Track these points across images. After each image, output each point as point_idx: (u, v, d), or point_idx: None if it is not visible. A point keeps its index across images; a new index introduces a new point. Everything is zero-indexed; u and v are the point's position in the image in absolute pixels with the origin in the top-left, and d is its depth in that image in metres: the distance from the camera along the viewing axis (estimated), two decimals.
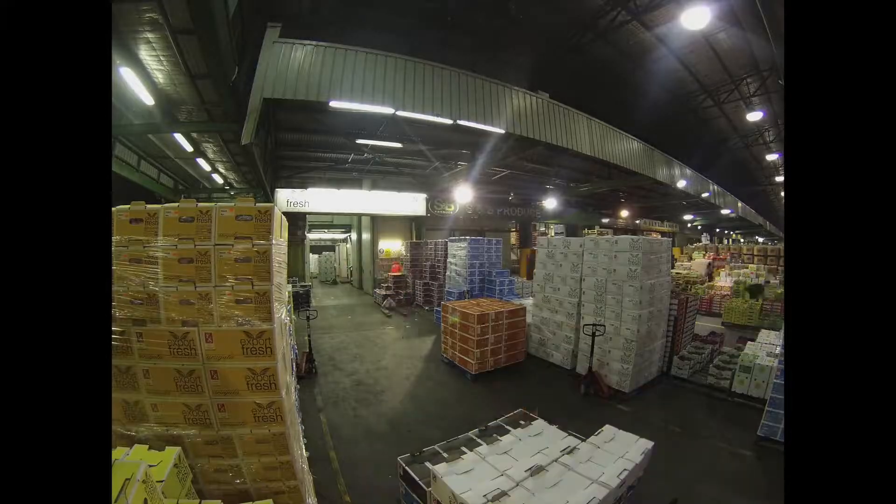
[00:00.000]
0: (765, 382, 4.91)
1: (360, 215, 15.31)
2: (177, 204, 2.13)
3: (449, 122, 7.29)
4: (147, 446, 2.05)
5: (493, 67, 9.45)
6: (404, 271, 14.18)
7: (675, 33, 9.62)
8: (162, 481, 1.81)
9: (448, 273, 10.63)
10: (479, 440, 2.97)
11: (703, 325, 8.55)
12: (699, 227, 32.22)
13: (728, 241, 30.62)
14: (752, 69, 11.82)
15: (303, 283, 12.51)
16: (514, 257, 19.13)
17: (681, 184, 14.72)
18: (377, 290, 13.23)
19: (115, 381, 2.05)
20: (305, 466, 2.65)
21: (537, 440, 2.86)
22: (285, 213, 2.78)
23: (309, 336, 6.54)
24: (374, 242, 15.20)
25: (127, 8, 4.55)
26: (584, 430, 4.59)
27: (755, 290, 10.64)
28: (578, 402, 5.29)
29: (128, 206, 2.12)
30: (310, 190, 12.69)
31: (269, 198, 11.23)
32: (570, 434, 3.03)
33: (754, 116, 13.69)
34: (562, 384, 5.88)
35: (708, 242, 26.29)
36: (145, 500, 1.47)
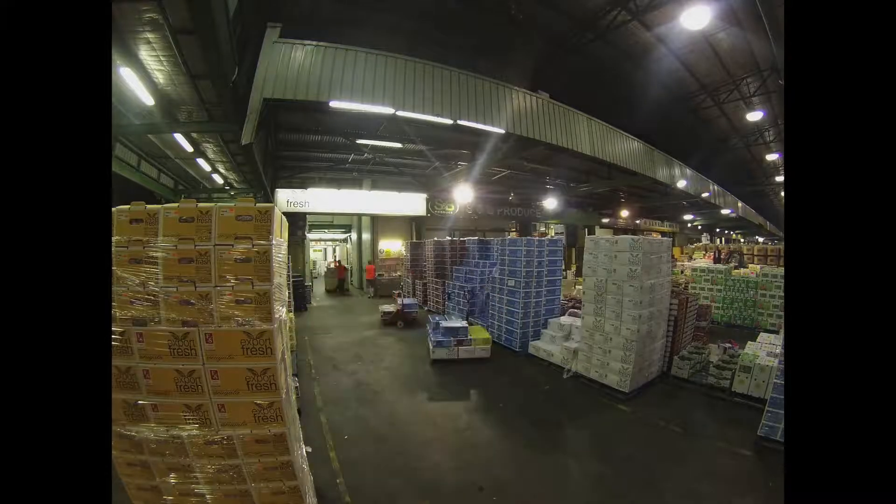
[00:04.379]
0: (765, 382, 4.91)
1: (360, 215, 15.32)
2: (177, 204, 2.13)
3: (449, 122, 7.29)
4: None
5: (493, 67, 9.45)
6: (402, 272, 14.17)
7: (675, 33, 9.63)
8: None
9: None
10: None
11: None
12: (699, 227, 32.23)
13: (722, 241, 30.58)
14: (752, 69, 11.82)
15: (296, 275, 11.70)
16: None
17: (681, 184, 14.72)
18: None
19: (115, 381, 2.05)
20: (305, 466, 2.65)
21: None
22: (285, 213, 2.78)
23: None
24: (374, 242, 15.20)
25: (127, 8, 4.55)
26: (586, 429, 4.60)
27: None
28: (581, 401, 5.31)
29: (128, 206, 2.12)
30: (310, 190, 12.69)
31: (270, 198, 11.24)
32: None
33: (754, 116, 13.70)
34: (562, 383, 5.90)
35: (708, 242, 26.29)
36: None
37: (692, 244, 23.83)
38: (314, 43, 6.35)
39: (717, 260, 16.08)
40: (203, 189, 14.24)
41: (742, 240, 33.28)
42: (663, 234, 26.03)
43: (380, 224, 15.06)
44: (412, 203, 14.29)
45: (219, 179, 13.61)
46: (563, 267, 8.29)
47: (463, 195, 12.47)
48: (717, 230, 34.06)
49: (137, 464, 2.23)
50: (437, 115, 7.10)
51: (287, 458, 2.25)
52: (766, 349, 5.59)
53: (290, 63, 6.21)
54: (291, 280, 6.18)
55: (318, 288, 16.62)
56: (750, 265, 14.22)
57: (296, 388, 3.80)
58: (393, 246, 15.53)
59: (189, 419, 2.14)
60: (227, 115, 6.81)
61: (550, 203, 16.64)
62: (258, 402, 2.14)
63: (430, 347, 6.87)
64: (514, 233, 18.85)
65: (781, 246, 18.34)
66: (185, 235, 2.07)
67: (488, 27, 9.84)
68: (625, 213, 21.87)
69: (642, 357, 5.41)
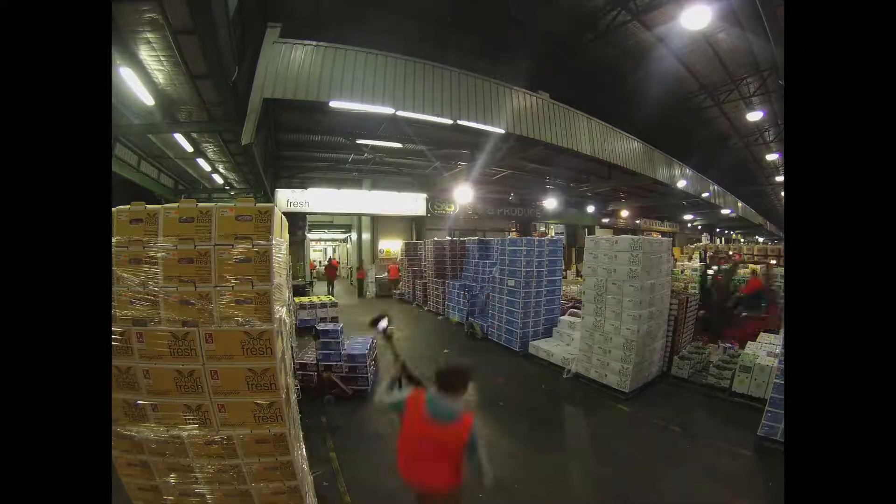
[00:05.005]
0: (765, 382, 4.91)
1: (360, 215, 15.33)
2: (177, 204, 2.13)
3: (449, 122, 7.29)
4: None
5: (493, 67, 9.46)
6: (402, 271, 14.18)
7: (675, 33, 9.63)
8: None
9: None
10: None
11: None
12: (699, 227, 32.23)
13: (722, 241, 30.50)
14: (752, 69, 11.83)
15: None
16: None
17: (681, 184, 14.72)
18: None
19: (115, 381, 2.05)
20: (305, 466, 2.65)
21: None
22: (285, 213, 2.78)
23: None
24: (374, 242, 15.21)
25: (127, 8, 4.56)
26: (585, 429, 4.60)
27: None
28: (581, 401, 5.31)
29: (128, 206, 2.12)
30: (310, 190, 12.69)
31: (270, 198, 11.25)
32: None
33: (754, 116, 13.70)
34: (562, 383, 5.90)
35: (708, 242, 26.26)
36: None
37: (692, 244, 23.81)
38: (314, 43, 6.35)
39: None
40: (203, 189, 14.26)
41: (742, 239, 33.27)
42: (663, 234, 26.02)
43: (380, 224, 15.06)
44: (412, 203, 14.29)
45: (219, 179, 13.62)
46: (563, 267, 8.29)
47: (463, 195, 12.47)
48: (717, 230, 34.05)
49: (137, 464, 2.23)
50: (437, 115, 7.11)
51: (287, 458, 2.25)
52: (766, 349, 5.59)
53: (290, 63, 6.21)
54: (291, 284, 6.15)
55: (319, 289, 16.61)
56: (750, 265, 14.19)
57: (296, 388, 3.80)
58: (393, 246, 15.54)
59: (189, 419, 2.14)
60: (228, 115, 6.83)
61: (550, 203, 16.64)
62: (258, 402, 2.13)
63: None
64: (514, 233, 18.85)
65: (781, 246, 18.33)
66: (185, 235, 2.07)
67: (488, 27, 9.85)
68: (625, 213, 21.87)
69: (642, 357, 5.41)
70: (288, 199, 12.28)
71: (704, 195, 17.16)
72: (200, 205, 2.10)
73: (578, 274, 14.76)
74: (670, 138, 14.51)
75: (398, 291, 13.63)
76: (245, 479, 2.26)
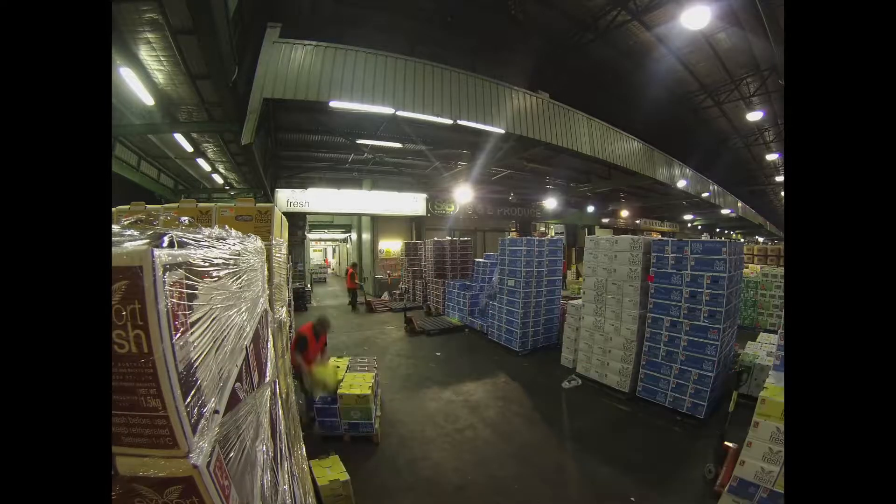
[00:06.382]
0: (765, 382, 4.90)
1: (360, 215, 15.32)
2: (177, 204, 2.13)
3: (449, 122, 7.28)
4: None
5: (493, 67, 9.46)
6: (402, 272, 14.17)
7: (675, 33, 9.62)
8: None
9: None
10: None
11: None
12: (699, 227, 32.22)
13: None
14: (752, 69, 11.82)
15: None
16: None
17: (681, 184, 14.71)
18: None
19: None
20: (306, 467, 2.65)
21: None
22: (285, 213, 2.78)
23: None
24: (374, 242, 15.20)
25: (127, 8, 4.56)
26: (585, 428, 4.60)
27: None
28: (581, 400, 5.31)
29: (128, 206, 2.12)
30: (310, 190, 12.68)
31: (270, 198, 11.25)
32: None
33: (754, 116, 13.69)
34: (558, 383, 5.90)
35: None
36: None
37: None
38: (314, 43, 6.34)
39: None
40: (203, 189, 14.26)
41: (742, 239, 33.24)
42: (663, 234, 26.02)
43: (380, 224, 15.05)
44: (412, 203, 14.28)
45: (219, 179, 13.62)
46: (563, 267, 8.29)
47: (463, 195, 12.47)
48: (718, 230, 34.05)
49: None
50: (437, 115, 7.10)
51: None
52: (766, 349, 5.59)
53: (289, 63, 6.20)
54: (292, 288, 6.13)
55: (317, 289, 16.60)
56: (750, 265, 14.19)
57: (295, 387, 3.80)
58: (393, 246, 15.53)
59: None
60: (227, 115, 6.82)
61: (550, 203, 16.63)
62: None
63: None
64: (514, 233, 18.84)
65: (781, 246, 18.32)
66: None
67: (488, 27, 9.84)
68: (625, 213, 21.86)
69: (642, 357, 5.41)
70: (288, 199, 12.28)
71: (704, 195, 17.14)
72: (200, 205, 2.10)
73: (578, 274, 14.77)
74: (670, 138, 14.50)
75: (398, 291, 13.64)
76: None
